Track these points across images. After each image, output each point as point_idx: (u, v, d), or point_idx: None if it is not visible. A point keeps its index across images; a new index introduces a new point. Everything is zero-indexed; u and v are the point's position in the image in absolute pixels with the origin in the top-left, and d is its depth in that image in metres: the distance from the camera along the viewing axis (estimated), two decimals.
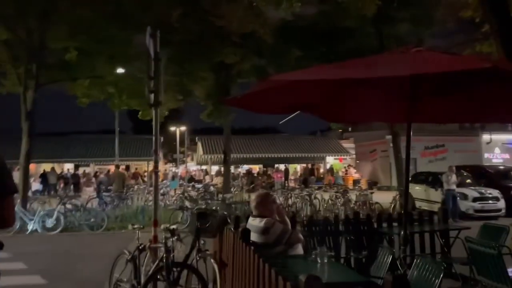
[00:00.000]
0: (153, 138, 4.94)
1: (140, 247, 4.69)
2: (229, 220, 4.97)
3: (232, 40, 12.94)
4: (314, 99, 4.80)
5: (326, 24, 13.83)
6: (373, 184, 27.16)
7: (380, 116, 5.64)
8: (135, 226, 4.89)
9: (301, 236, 4.03)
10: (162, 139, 33.44)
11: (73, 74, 13.94)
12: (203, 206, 12.64)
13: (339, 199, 13.62)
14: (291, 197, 14.53)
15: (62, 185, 27.94)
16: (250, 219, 3.99)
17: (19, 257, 7.68)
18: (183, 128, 34.75)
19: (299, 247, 3.98)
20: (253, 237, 3.85)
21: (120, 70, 14.50)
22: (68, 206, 12.46)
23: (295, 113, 5.27)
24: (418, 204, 14.80)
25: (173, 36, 13.07)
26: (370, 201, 13.22)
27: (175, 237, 4.36)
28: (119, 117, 27.31)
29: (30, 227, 11.44)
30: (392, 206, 13.54)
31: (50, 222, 11.58)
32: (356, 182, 26.88)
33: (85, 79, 14.51)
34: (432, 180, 14.69)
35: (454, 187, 12.94)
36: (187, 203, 12.75)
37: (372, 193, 13.67)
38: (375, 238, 5.54)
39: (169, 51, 13.56)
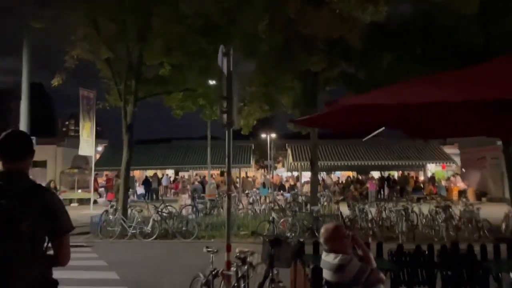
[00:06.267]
0: (226, 159, 4.82)
1: (214, 272, 4.58)
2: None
3: (319, 48, 12.53)
4: (399, 115, 4.28)
5: (421, 23, 12.70)
6: (482, 195, 24.43)
7: (479, 130, 4.84)
8: (209, 249, 4.80)
9: (382, 275, 3.54)
10: (253, 146, 34.08)
11: (168, 88, 14.71)
12: (290, 219, 12.42)
13: (440, 215, 12.36)
14: (384, 210, 13.56)
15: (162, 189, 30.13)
16: (324, 255, 3.62)
17: (114, 266, 8.21)
18: (273, 135, 34.97)
19: None
20: (327, 274, 3.47)
21: (210, 82, 14.98)
22: (164, 213, 13.15)
23: (380, 130, 4.77)
24: None
25: (259, 46, 13.10)
26: (477, 219, 11.76)
27: (246, 266, 4.17)
28: (214, 122, 28.32)
29: (129, 233, 12.27)
30: (504, 225, 11.89)
31: (146, 230, 12.30)
32: (461, 193, 24.36)
33: (179, 92, 15.24)
34: None
35: None
36: (273, 214, 12.59)
37: (479, 209, 12.14)
38: (478, 274, 4.75)
39: (255, 62, 13.65)
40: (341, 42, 12.45)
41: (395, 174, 31.59)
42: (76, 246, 10.88)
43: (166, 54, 13.31)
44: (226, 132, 4.82)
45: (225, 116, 4.73)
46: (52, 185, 12.64)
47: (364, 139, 4.33)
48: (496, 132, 4.51)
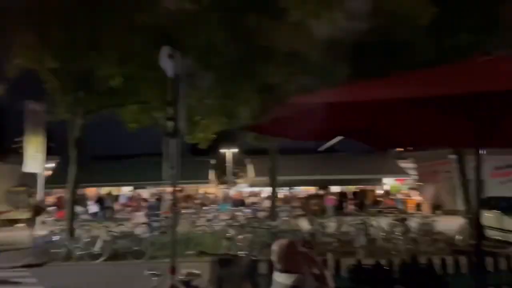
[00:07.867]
0: (172, 170, 4.39)
1: None
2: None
3: (277, 60, 12.39)
4: (358, 123, 4.05)
5: (378, 38, 12.86)
6: (436, 207, 25.10)
7: (441, 141, 4.73)
8: (152, 272, 4.32)
9: None
10: (213, 161, 33.44)
11: (121, 100, 14.05)
12: (249, 235, 11.99)
13: (398, 228, 12.39)
14: (343, 225, 13.46)
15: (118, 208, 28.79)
16: (276, 275, 3.26)
17: None
18: (235, 150, 34.54)
19: None
20: None
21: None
22: (116, 232, 12.34)
23: (336, 140, 4.54)
24: (490, 233, 13.08)
25: (217, 59, 12.79)
26: (433, 231, 11.87)
27: None
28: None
29: (75, 254, 11.39)
30: (459, 237, 12.03)
31: (94, 250, 11.47)
32: (418, 206, 24.96)
33: (133, 105, 14.60)
34: (509, 205, 13.08)
35: None
36: (230, 231, 12.13)
37: (434, 221, 12.29)
38: None
39: (213, 74, 13.30)
40: (299, 55, 12.36)
41: (352, 189, 31.98)
42: (14, 271, 9.95)
43: (119, 65, 12.71)
44: (174, 142, 4.40)
45: (171, 123, 4.32)
46: None
47: (319, 149, 4.04)
48: (464, 143, 4.38)
